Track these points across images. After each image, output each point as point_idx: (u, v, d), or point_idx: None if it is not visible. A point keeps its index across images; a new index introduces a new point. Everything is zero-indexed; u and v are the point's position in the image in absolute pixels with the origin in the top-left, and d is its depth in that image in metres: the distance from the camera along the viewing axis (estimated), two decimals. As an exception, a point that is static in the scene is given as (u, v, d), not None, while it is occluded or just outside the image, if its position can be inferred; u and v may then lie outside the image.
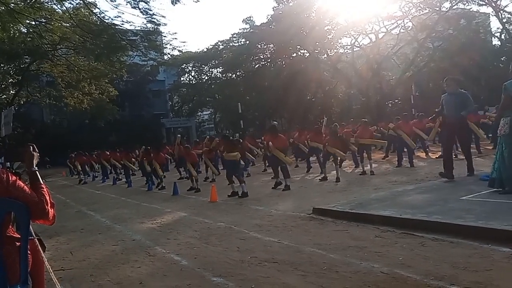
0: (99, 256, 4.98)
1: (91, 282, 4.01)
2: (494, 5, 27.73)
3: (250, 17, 35.32)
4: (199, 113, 49.18)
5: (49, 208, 2.67)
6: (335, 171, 10.05)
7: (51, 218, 2.66)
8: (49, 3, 18.79)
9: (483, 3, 28.17)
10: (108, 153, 18.61)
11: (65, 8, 18.48)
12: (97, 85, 26.50)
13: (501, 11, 28.60)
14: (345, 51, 32.73)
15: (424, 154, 13.62)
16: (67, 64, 23.61)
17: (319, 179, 10.27)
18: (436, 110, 8.34)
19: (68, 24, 18.76)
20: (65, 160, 23.36)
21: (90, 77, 24.73)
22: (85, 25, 18.15)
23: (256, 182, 11.24)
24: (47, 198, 2.66)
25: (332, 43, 30.30)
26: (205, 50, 40.11)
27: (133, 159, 16.34)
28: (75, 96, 26.54)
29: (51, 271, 3.84)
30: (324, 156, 10.76)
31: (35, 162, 2.60)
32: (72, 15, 17.97)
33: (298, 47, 31.99)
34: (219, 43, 38.81)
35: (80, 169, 18.86)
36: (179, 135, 13.84)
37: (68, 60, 23.24)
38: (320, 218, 5.83)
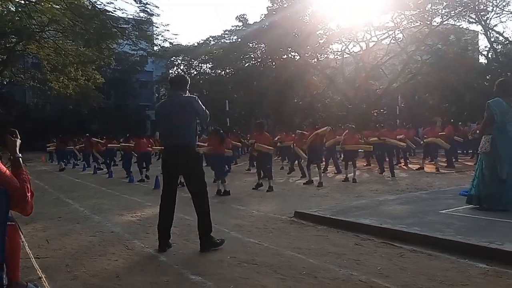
0: (75, 246, 4.89)
1: (66, 272, 3.93)
2: (483, 24, 28.29)
3: (243, 15, 35.20)
4: (186, 108, 48.80)
5: (29, 196, 2.61)
6: (318, 176, 10.12)
7: (29, 207, 2.60)
8: (41, -17, 18.48)
9: (473, 21, 28.70)
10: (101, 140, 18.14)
11: (56, -11, 18.19)
12: (84, 71, 26.07)
13: (490, 30, 29.21)
14: (335, 57, 32.93)
15: (403, 164, 13.89)
16: (54, 47, 23.18)
17: (304, 183, 10.32)
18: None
19: (58, 6, 18.45)
20: (45, 144, 22.96)
21: (77, 62, 24.32)
22: (76, 8, 17.91)
23: (238, 182, 11.22)
24: (29, 185, 2.61)
25: (323, 48, 30.42)
26: (196, 44, 39.81)
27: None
28: (61, 81, 26.07)
29: (32, 257, 3.79)
30: (309, 159, 10.83)
31: (17, 148, 2.56)
32: (63, -3, 17.70)
33: (289, 49, 32.04)
34: (210, 38, 38.61)
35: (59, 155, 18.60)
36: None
37: (56, 43, 22.84)
38: (301, 222, 5.85)
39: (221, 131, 9.84)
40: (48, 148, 21.43)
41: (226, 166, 9.67)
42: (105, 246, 4.82)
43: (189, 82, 4.82)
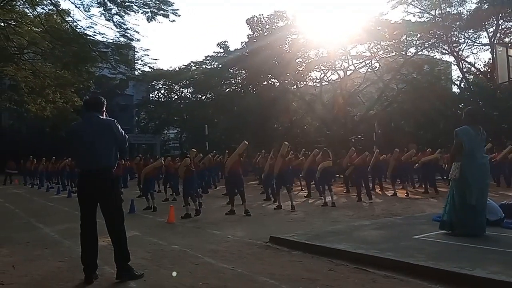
0: (42, 272, 4.73)
1: (31, 299, 3.79)
2: (456, 55, 29.39)
3: (225, 41, 35.57)
4: (165, 131, 48.60)
5: None
6: (289, 201, 10.12)
7: None
8: (21, 6, 18.38)
9: (446, 52, 29.83)
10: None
11: (36, 13, 18.15)
12: (62, 93, 25.68)
13: (462, 61, 30.33)
14: (314, 84, 33.62)
15: (379, 189, 14.06)
16: (32, 70, 22.87)
17: (274, 208, 10.33)
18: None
19: (38, 29, 18.36)
20: (20, 167, 22.48)
21: (56, 84, 23.98)
22: (55, 32, 17.87)
23: (215, 206, 11.13)
24: None
25: (302, 75, 31.04)
26: (177, 69, 40.03)
27: None
28: (38, 103, 25.57)
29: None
30: (277, 183, 10.86)
31: None
32: (43, 20, 17.65)
33: (269, 75, 32.56)
34: (191, 63, 38.90)
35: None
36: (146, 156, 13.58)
37: (34, 65, 22.57)
38: (276, 247, 5.81)
39: (188, 155, 9.96)
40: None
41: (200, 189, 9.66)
42: (74, 272, 4.65)
43: (106, 104, 4.57)
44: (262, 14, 31.39)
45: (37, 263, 5.19)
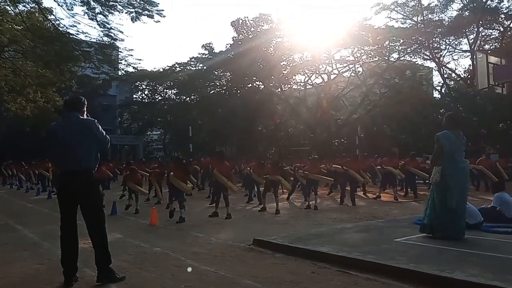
0: (21, 275, 4.63)
1: (8, 303, 3.71)
2: (437, 61, 29.93)
3: (210, 43, 35.57)
4: (149, 133, 48.20)
5: None
6: (275, 203, 10.14)
7: None
8: (2, 4, 18.01)
9: (428, 57, 30.36)
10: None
11: (18, 11, 17.80)
12: (43, 93, 25.21)
13: (443, 67, 30.91)
14: (298, 87, 33.81)
15: (363, 193, 14.15)
16: (13, 68, 22.41)
17: (259, 210, 10.38)
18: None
19: (19, 27, 18.01)
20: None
21: (37, 84, 23.52)
22: (37, 30, 17.55)
23: (199, 208, 11.07)
24: None
25: (286, 78, 31.20)
26: (161, 70, 39.78)
27: None
28: (18, 102, 25.07)
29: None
30: (265, 187, 10.91)
31: None
32: (25, 18, 17.33)
33: (254, 78, 32.62)
34: (176, 65, 38.69)
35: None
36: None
37: (14, 64, 22.12)
38: (259, 249, 5.81)
39: (184, 161, 9.82)
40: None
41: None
42: (53, 274, 4.55)
43: (86, 104, 4.51)
44: (247, 17, 31.49)
45: (16, 265, 5.09)
